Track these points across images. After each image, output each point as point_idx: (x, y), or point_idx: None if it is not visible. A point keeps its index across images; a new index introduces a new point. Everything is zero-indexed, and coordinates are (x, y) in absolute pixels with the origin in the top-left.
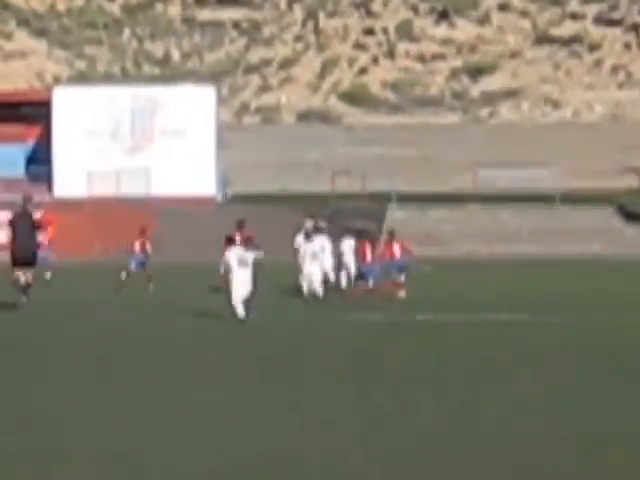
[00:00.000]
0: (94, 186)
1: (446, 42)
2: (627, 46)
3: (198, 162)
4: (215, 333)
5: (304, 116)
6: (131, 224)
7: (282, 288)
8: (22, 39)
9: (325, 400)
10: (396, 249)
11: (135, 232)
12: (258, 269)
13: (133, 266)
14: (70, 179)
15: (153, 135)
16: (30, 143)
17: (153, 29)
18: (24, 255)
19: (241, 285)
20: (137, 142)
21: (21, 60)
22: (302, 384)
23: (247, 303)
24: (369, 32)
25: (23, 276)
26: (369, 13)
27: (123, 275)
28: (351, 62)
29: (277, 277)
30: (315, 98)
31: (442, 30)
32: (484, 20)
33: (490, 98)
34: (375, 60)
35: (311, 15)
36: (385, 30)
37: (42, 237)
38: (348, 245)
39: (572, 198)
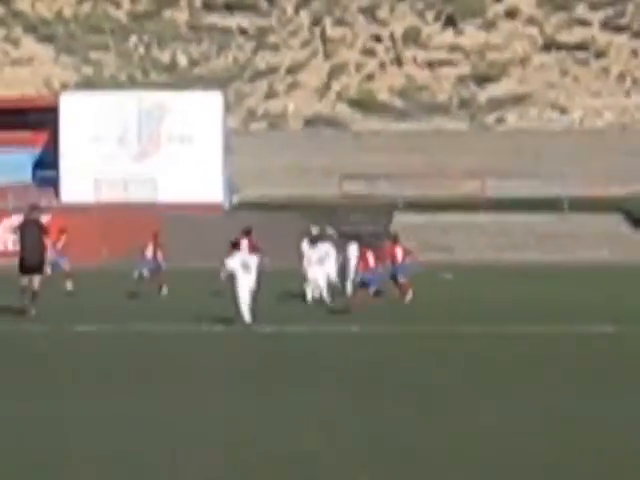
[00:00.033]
0: (101, 192)
1: (453, 48)
2: (634, 52)
3: (205, 168)
4: (218, 337)
5: (311, 122)
6: (138, 230)
7: (291, 294)
8: (29, 45)
9: (325, 404)
10: (399, 252)
11: (142, 238)
12: (260, 276)
13: (146, 272)
14: (77, 185)
15: (160, 141)
16: (37, 149)
17: (160, 35)
18: (32, 262)
19: (246, 290)
20: (144, 148)
21: (28, 66)
22: (303, 388)
23: (252, 307)
24: (376, 38)
25: (30, 283)
26: (376, 19)
27: (136, 275)
28: (358, 68)
29: (284, 283)
30: (322, 104)
31: (449, 37)
32: (491, 26)
33: (497, 104)
34: (382, 66)
35: (318, 21)
36: (392, 36)
37: (56, 244)
38: (353, 251)
39: (580, 204)
